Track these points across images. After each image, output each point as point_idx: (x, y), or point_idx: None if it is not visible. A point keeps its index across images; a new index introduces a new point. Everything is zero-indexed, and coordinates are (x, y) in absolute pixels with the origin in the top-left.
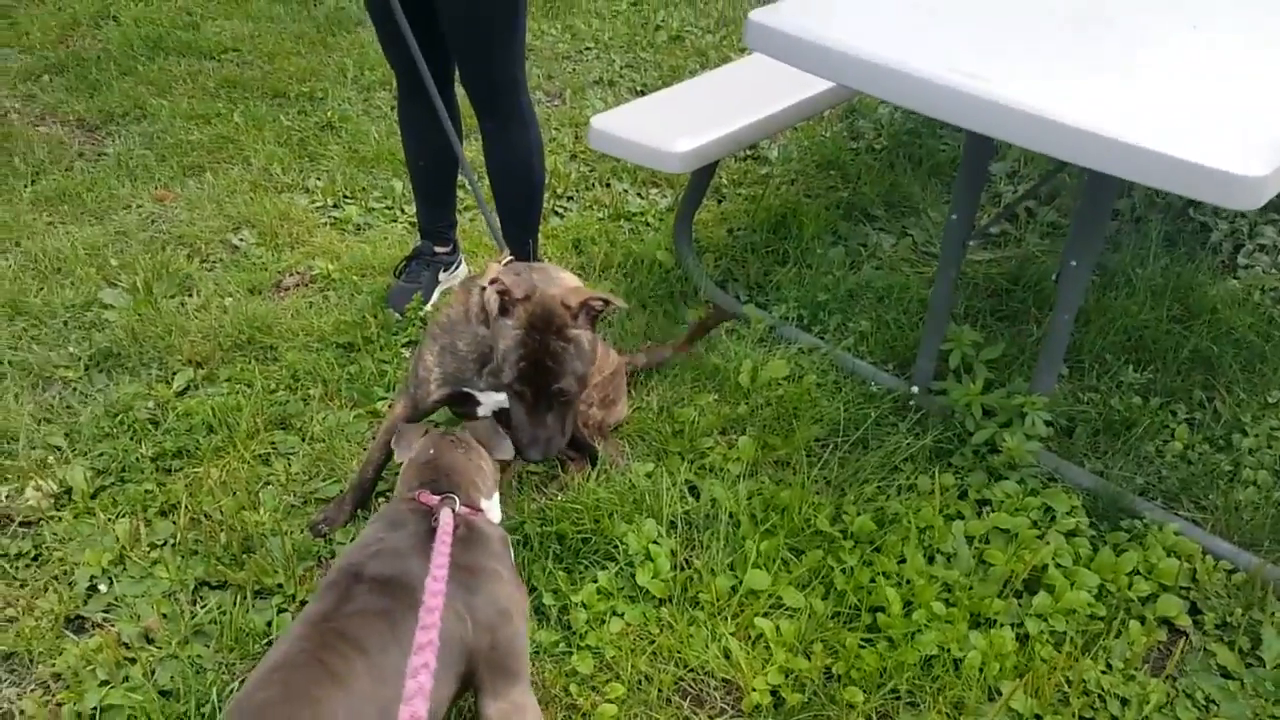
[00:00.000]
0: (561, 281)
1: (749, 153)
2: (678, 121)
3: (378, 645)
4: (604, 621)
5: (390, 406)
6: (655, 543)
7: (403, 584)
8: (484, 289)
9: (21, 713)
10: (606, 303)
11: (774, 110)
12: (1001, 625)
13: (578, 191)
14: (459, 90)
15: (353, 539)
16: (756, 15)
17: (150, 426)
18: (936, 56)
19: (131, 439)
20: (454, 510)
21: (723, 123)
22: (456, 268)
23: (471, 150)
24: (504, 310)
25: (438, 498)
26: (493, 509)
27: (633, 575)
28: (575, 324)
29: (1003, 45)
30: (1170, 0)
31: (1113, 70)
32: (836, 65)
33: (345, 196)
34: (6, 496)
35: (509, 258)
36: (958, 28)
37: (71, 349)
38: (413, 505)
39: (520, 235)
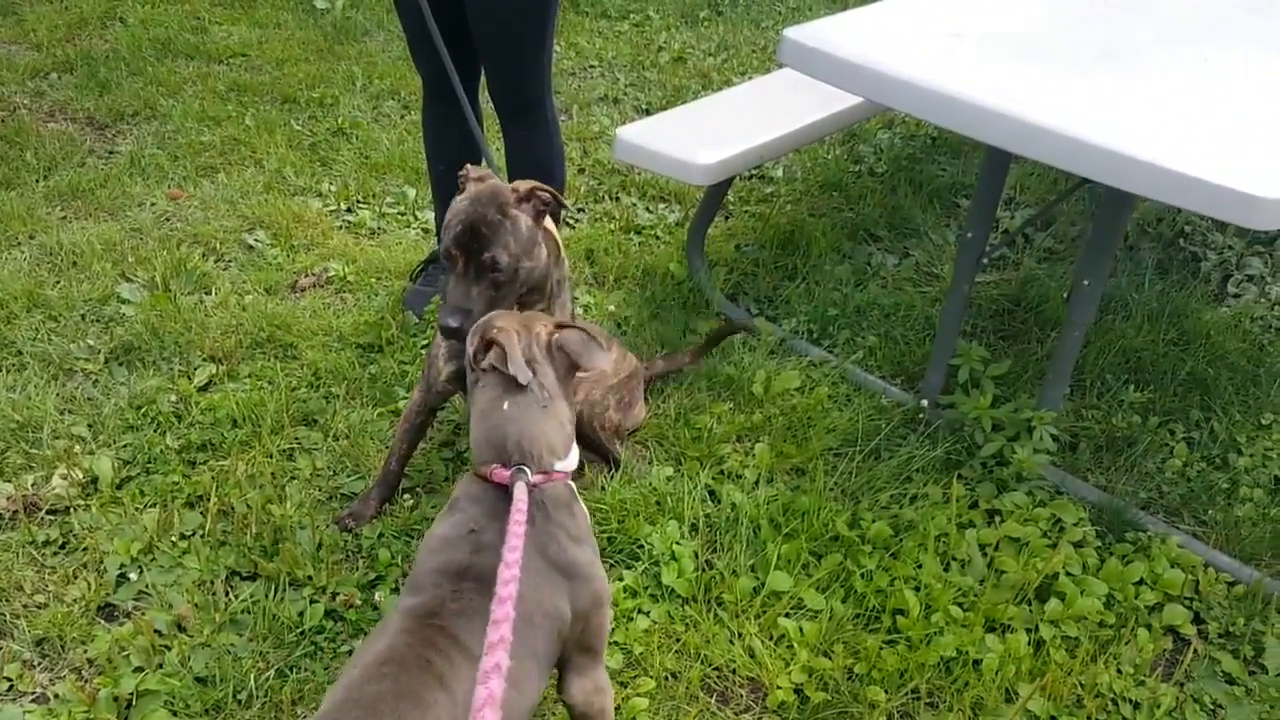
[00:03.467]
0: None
1: (754, 172)
2: (701, 135)
3: (480, 647)
4: (631, 619)
5: (412, 401)
6: (678, 543)
7: None
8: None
9: (56, 696)
10: (555, 197)
11: (795, 127)
12: (1016, 630)
13: (587, 204)
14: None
15: (380, 535)
16: (791, 32)
17: (174, 419)
18: (964, 75)
19: (156, 431)
20: (528, 486)
21: (745, 138)
22: None
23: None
24: (460, 189)
25: (508, 472)
26: (570, 461)
27: (657, 575)
28: (518, 207)
29: (1029, 68)
30: (1194, 33)
31: (1138, 94)
32: (869, 82)
33: (358, 201)
34: (33, 484)
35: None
36: (986, 51)
37: (91, 342)
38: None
39: None
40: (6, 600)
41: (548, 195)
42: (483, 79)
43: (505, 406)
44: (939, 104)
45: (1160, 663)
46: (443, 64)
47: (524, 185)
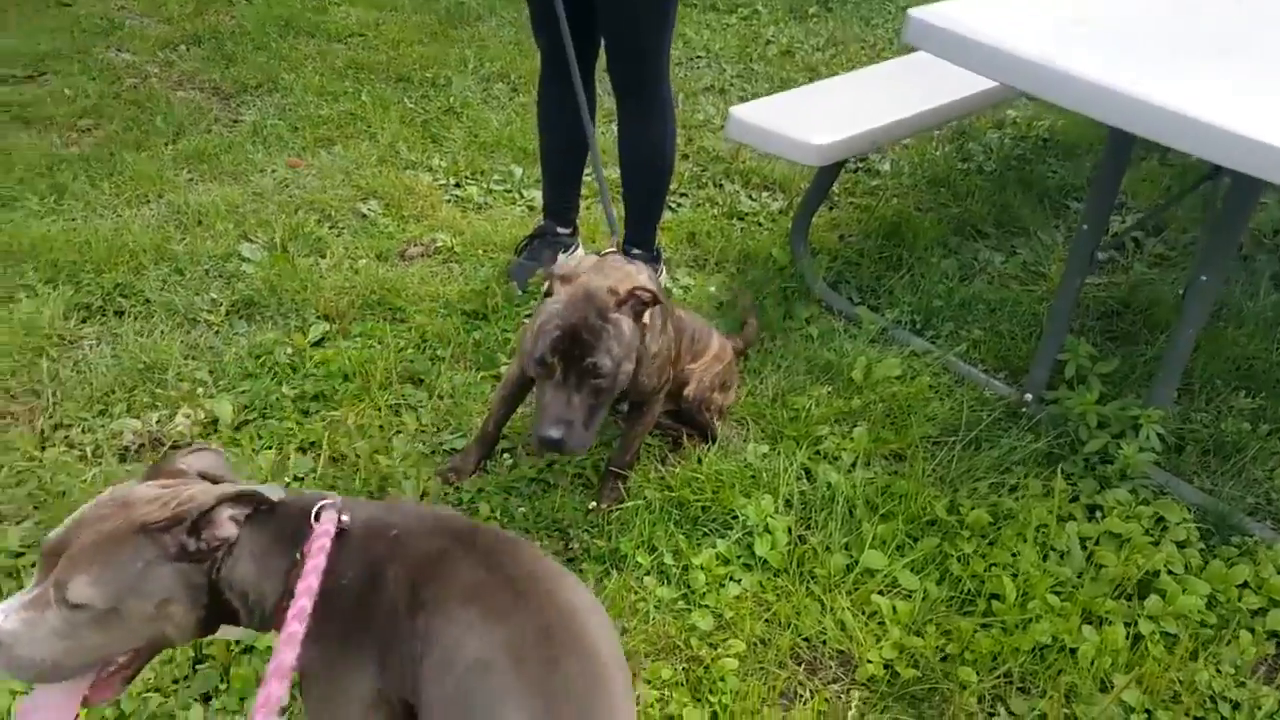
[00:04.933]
0: (625, 273)
1: (860, 164)
2: (815, 117)
3: None
4: (723, 585)
5: (510, 370)
6: (772, 517)
7: None
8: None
9: None
10: (654, 296)
11: (910, 114)
12: (1114, 623)
13: (690, 190)
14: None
15: (480, 490)
16: (917, 12)
17: (289, 371)
18: (1089, 58)
19: (273, 380)
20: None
21: (859, 121)
22: (575, 250)
23: (604, 135)
24: (548, 291)
25: None
26: None
27: (750, 545)
28: (618, 310)
29: (1153, 53)
30: None
31: (1263, 80)
32: (994, 61)
33: (467, 177)
34: (157, 422)
35: (617, 241)
36: (1110, 36)
37: (213, 295)
38: None
39: (643, 222)
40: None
41: (649, 295)
42: (600, 62)
43: None
44: (1063, 84)
45: (1262, 666)
46: (562, 38)
47: (623, 286)
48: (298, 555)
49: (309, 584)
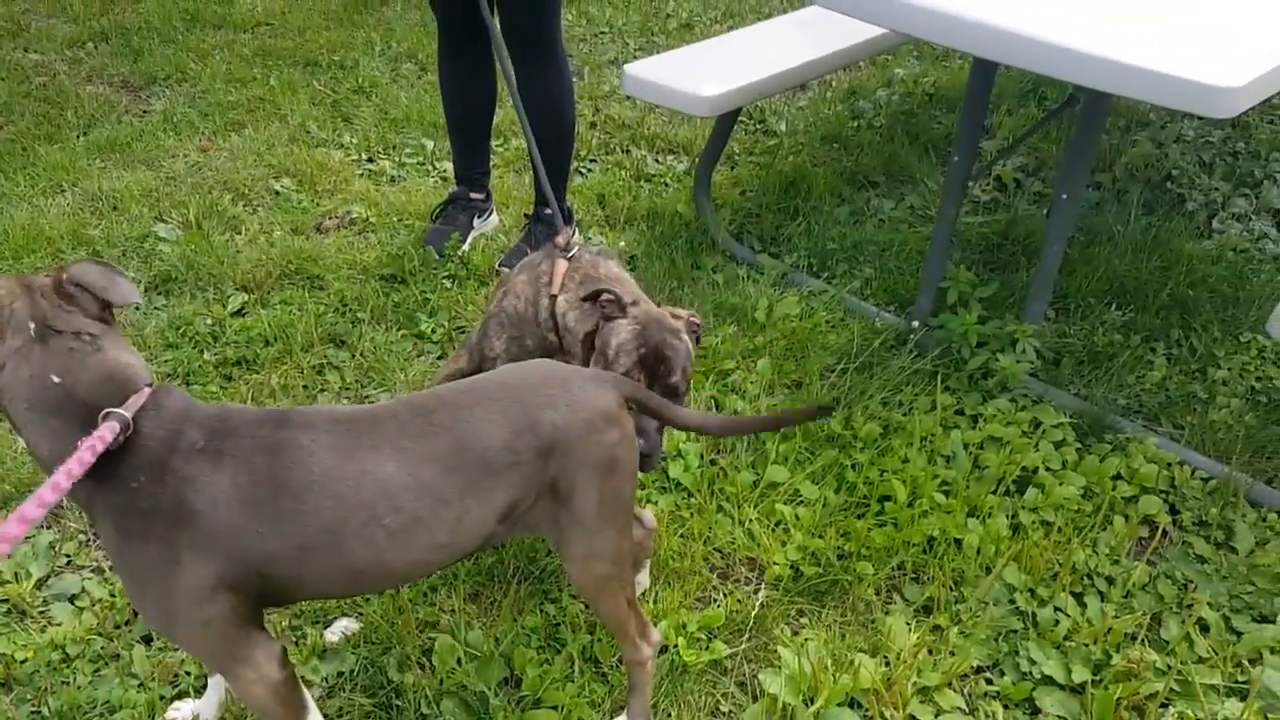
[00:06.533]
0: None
1: (758, 125)
2: (707, 70)
3: None
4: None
5: (453, 358)
6: (684, 443)
7: None
8: (553, 297)
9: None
10: (700, 325)
11: (797, 63)
12: (996, 515)
13: (599, 156)
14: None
15: None
16: None
17: (210, 340)
18: None
19: (194, 349)
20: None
21: (746, 73)
22: (489, 215)
23: (506, 108)
24: (609, 315)
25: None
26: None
27: (664, 470)
28: (683, 335)
29: None
30: None
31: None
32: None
33: (379, 152)
34: None
35: (563, 238)
36: None
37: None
38: None
39: (553, 182)
40: None
41: (699, 326)
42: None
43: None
44: (928, 19)
45: (1135, 549)
46: (460, 7)
47: (683, 312)
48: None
49: (58, 481)
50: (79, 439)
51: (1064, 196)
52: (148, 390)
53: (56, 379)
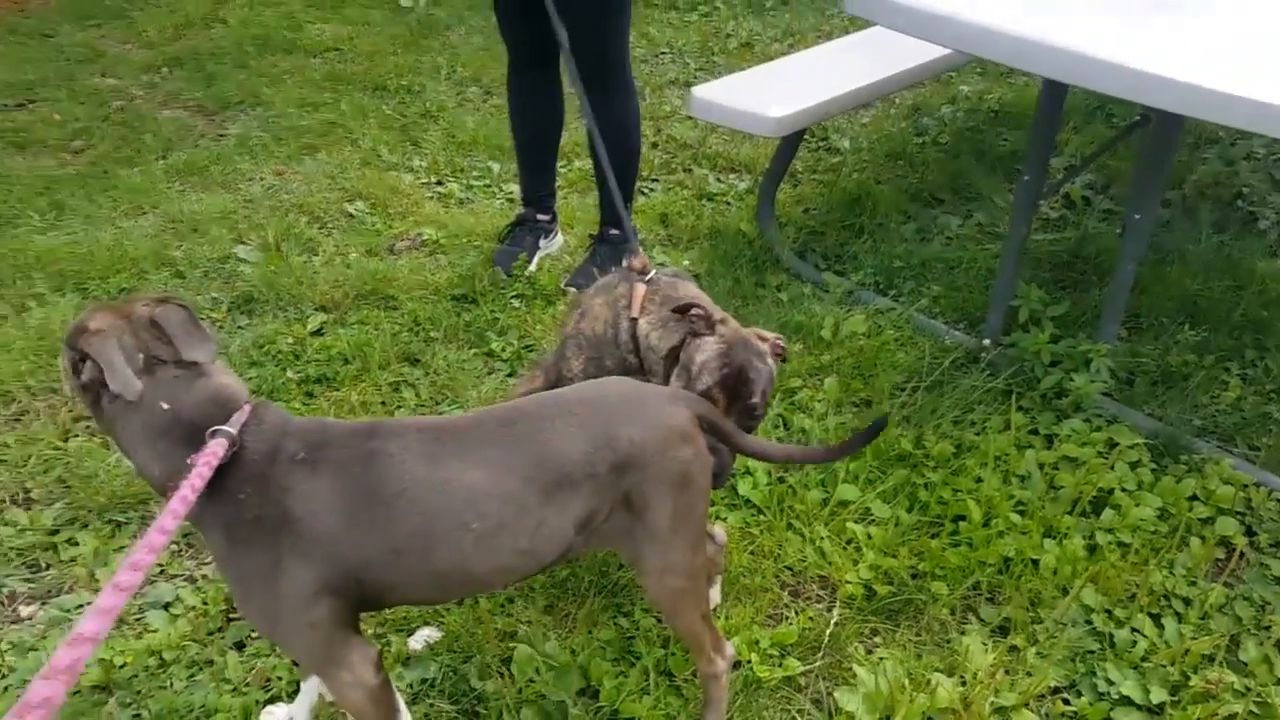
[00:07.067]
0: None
1: (821, 143)
2: (772, 91)
3: None
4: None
5: (528, 378)
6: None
7: None
8: (633, 320)
9: (204, 577)
10: (785, 349)
11: (861, 84)
12: (1072, 536)
13: (661, 176)
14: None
15: None
16: None
17: (292, 358)
18: (1020, 15)
19: (277, 366)
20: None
21: (812, 94)
22: (554, 236)
23: (570, 130)
24: (697, 331)
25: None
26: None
27: (734, 487)
28: (769, 359)
29: (1081, 7)
30: None
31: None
32: (928, 24)
33: (447, 175)
34: None
35: (640, 262)
36: None
37: (214, 294)
38: None
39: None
40: (159, 506)
41: (784, 349)
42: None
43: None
44: (993, 40)
45: (1212, 571)
46: (529, 31)
47: (769, 335)
48: (188, 460)
49: (175, 508)
50: (187, 457)
51: (1136, 216)
52: (248, 407)
53: (165, 405)
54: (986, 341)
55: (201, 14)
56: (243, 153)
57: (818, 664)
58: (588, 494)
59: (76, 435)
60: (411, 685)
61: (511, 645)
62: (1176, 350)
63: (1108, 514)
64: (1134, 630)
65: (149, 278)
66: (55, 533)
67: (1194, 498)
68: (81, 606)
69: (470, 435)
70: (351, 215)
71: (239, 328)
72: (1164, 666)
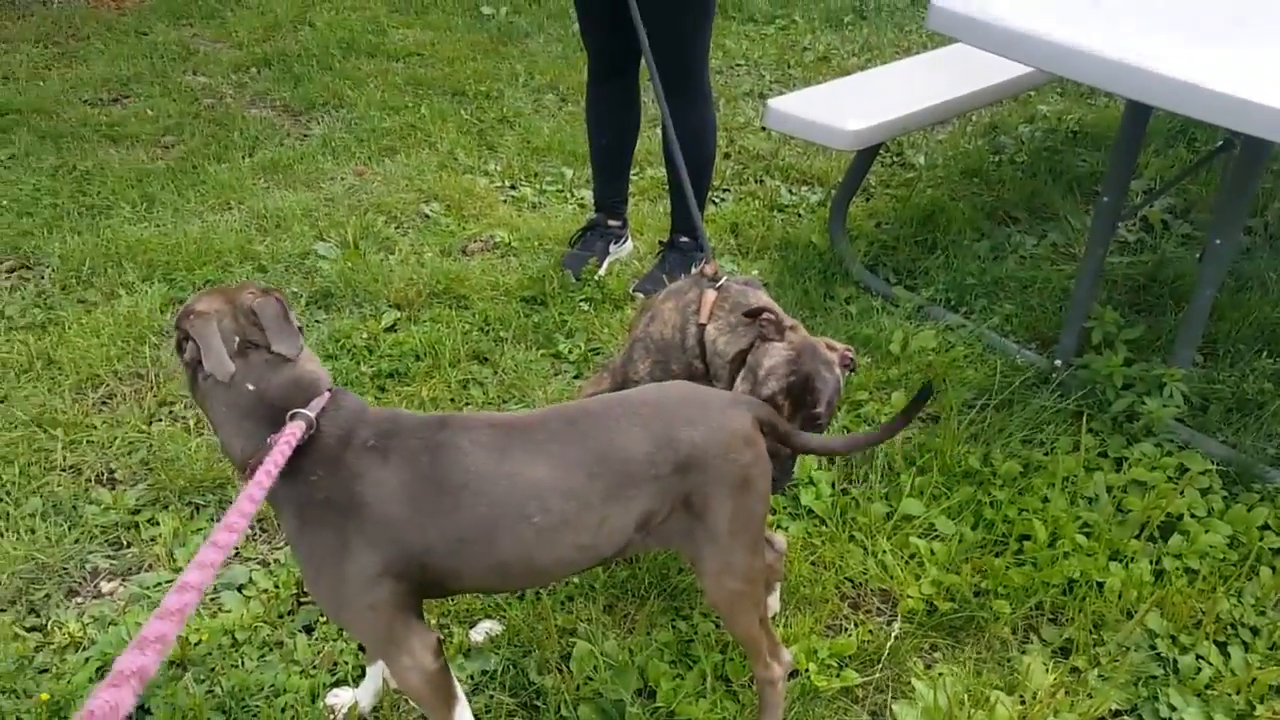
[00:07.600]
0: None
1: (895, 158)
2: (849, 105)
3: None
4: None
5: (595, 380)
6: (815, 470)
7: None
8: (701, 325)
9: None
10: (854, 360)
11: (938, 101)
12: (1139, 560)
13: (733, 186)
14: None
15: None
16: (940, 1)
17: (366, 352)
18: (1104, 36)
19: (352, 360)
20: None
21: (890, 109)
22: (625, 242)
23: (644, 139)
24: (766, 336)
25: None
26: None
27: (796, 497)
28: (837, 369)
29: (1164, 26)
30: None
31: (1269, 50)
32: (1011, 42)
33: (521, 179)
34: None
35: (712, 268)
36: (1121, 13)
37: (294, 288)
38: None
39: (690, 212)
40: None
41: (853, 360)
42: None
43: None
44: (1078, 60)
45: None
46: (613, 42)
47: (839, 345)
48: (268, 439)
49: (259, 479)
50: (268, 436)
51: (1218, 241)
52: (328, 394)
53: (251, 386)
54: (1058, 362)
55: (290, 17)
56: (325, 152)
57: (876, 676)
58: (649, 494)
59: (160, 420)
60: (472, 676)
61: (571, 642)
62: (1253, 378)
63: (1176, 539)
64: (1199, 657)
65: (233, 271)
66: (137, 512)
67: (1265, 526)
68: (160, 584)
69: (536, 432)
70: (427, 216)
71: (316, 322)
72: (1229, 695)
